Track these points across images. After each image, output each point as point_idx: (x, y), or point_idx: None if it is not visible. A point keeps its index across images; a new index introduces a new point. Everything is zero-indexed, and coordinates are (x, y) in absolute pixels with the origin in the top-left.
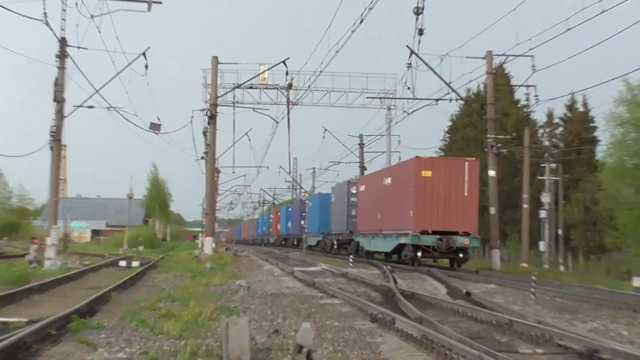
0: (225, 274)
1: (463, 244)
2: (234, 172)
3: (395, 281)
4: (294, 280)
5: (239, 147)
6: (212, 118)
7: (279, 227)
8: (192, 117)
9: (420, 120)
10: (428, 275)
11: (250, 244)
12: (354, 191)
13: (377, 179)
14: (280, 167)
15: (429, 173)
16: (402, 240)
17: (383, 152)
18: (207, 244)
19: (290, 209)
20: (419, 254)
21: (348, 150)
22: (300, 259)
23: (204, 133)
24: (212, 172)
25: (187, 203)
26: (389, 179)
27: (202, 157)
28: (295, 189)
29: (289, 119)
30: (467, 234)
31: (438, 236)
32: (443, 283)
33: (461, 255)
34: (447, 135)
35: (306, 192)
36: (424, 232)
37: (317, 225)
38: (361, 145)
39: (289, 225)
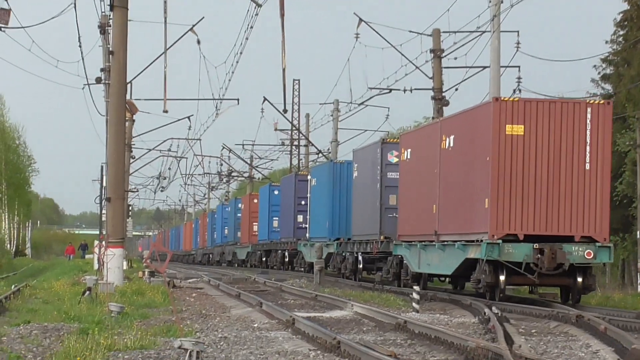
0: (150, 326)
1: (583, 260)
2: (166, 112)
3: (509, 340)
4: (296, 340)
5: (176, 61)
6: None
7: (254, 228)
8: None
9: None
10: (577, 326)
11: (200, 262)
12: (394, 160)
13: (430, 137)
14: (265, 99)
15: (518, 129)
16: (472, 254)
17: (484, 68)
18: (113, 263)
19: (277, 192)
20: (502, 277)
21: (405, 64)
22: (309, 293)
23: (102, 29)
24: (121, 111)
25: (69, 181)
26: (451, 137)
27: (99, 81)
28: (298, 149)
29: None
30: (589, 241)
31: (536, 245)
32: (613, 346)
33: (580, 279)
34: (620, 35)
35: (322, 154)
36: (511, 238)
37: (326, 225)
38: (436, 52)
39: (275, 224)
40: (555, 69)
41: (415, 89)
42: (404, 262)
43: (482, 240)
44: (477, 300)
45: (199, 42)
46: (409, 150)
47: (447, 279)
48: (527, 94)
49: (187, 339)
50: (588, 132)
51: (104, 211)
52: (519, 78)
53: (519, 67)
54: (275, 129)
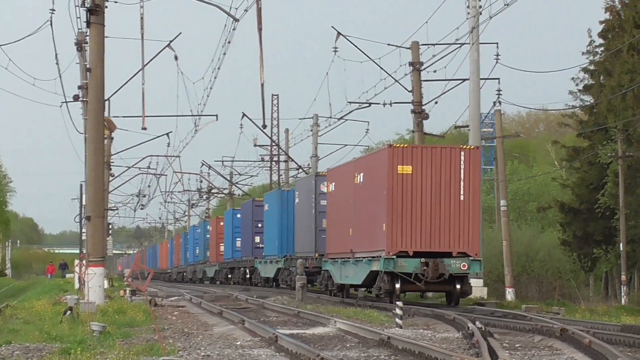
0: (133, 345)
1: (459, 270)
2: (144, 129)
3: (494, 355)
4: (279, 357)
5: (154, 77)
6: (95, 12)
7: (221, 248)
8: (52, 13)
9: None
10: (561, 339)
11: (175, 280)
12: (325, 190)
13: (347, 173)
14: (244, 114)
15: (407, 169)
16: (375, 267)
17: (463, 81)
18: (94, 282)
19: (239, 216)
20: (397, 285)
21: (384, 77)
22: (291, 310)
23: (79, 46)
24: (99, 129)
25: (48, 200)
26: (361, 174)
27: (76, 98)
28: (277, 164)
29: (259, 9)
30: (464, 255)
31: (422, 259)
32: (598, 359)
33: (458, 286)
34: (599, 46)
35: (301, 169)
36: (403, 254)
37: (276, 244)
38: (415, 65)
39: (237, 244)
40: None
41: (394, 103)
42: (330, 274)
43: (380, 256)
44: (461, 314)
45: (176, 58)
46: (333, 183)
47: (356, 289)
48: (507, 107)
49: (169, 357)
50: (462, 171)
51: (83, 230)
52: (499, 90)
53: (498, 79)
54: (255, 145)
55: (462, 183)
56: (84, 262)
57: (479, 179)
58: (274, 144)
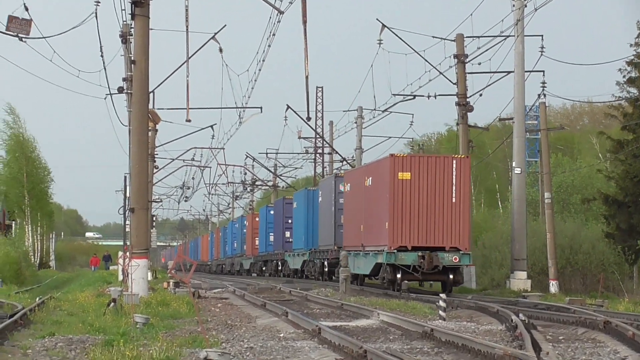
0: (176, 337)
1: (451, 263)
2: (188, 121)
3: (537, 348)
4: (322, 349)
5: (198, 69)
6: (140, 4)
7: (256, 241)
8: (97, 5)
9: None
10: (604, 332)
11: (214, 272)
12: (342, 189)
13: (360, 176)
14: (288, 107)
15: (406, 175)
16: (379, 259)
17: (508, 73)
18: (137, 274)
19: (272, 212)
20: (399, 275)
21: (429, 70)
22: (334, 302)
23: (123, 38)
24: (144, 121)
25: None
26: (370, 178)
27: (121, 90)
28: (322, 157)
29: (304, 1)
30: (455, 250)
31: (419, 253)
32: None
33: (451, 276)
34: None
35: (346, 161)
36: (403, 249)
37: (303, 239)
38: (460, 58)
39: (271, 239)
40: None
41: (439, 95)
42: None
43: (383, 250)
44: (504, 307)
45: (221, 50)
46: (349, 184)
47: (364, 278)
48: (552, 99)
49: (213, 349)
50: (454, 177)
51: (127, 222)
52: (544, 83)
53: (543, 71)
54: (299, 137)
55: (454, 187)
56: (127, 254)
57: (469, 184)
58: (318, 136)
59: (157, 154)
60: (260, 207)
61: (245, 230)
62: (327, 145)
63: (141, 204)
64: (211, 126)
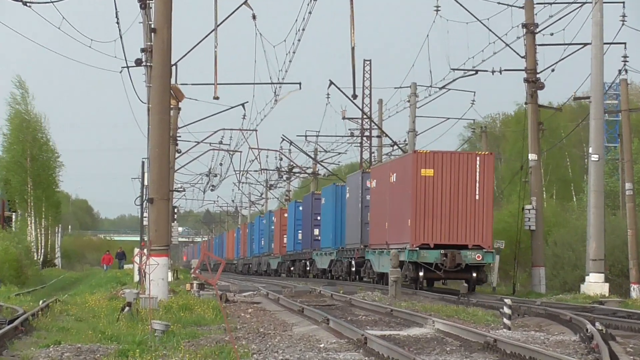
0: (200, 346)
1: (474, 261)
2: (216, 99)
3: None
4: None
5: (228, 39)
6: None
7: (284, 239)
8: None
9: None
10: None
11: (241, 272)
12: (369, 185)
13: (385, 172)
14: (331, 83)
15: (429, 172)
16: (402, 257)
17: (584, 46)
18: (156, 274)
19: (301, 208)
20: (421, 273)
21: (493, 41)
22: (383, 307)
23: (142, 3)
24: (165, 98)
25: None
26: (395, 175)
27: (139, 63)
28: (369, 140)
29: None
30: (479, 248)
31: (442, 251)
32: None
33: (474, 274)
34: None
35: (397, 146)
36: (425, 246)
37: (331, 237)
38: (529, 27)
39: (299, 237)
40: None
41: (505, 70)
42: (371, 264)
43: (406, 248)
44: (578, 314)
45: (254, 17)
46: (375, 180)
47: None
48: (634, 75)
49: None
50: (477, 174)
51: (145, 214)
52: (625, 57)
53: (624, 43)
54: (343, 118)
55: (477, 184)
56: (145, 251)
57: (492, 181)
58: (365, 116)
59: (179, 136)
60: (299, 197)
61: (273, 227)
62: (375, 127)
63: (161, 193)
64: (242, 104)
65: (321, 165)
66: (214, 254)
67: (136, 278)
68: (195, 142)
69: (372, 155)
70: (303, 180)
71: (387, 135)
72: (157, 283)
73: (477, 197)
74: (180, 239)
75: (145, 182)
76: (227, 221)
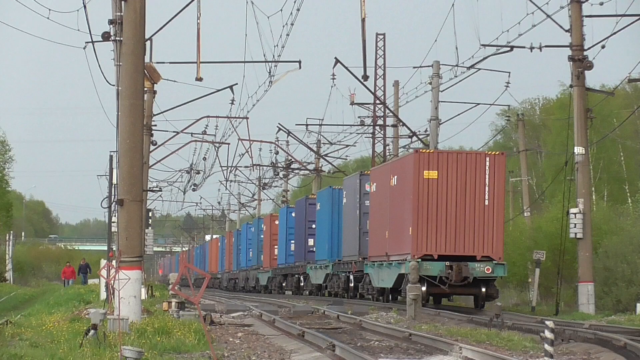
0: None
1: (483, 274)
2: (199, 80)
3: None
4: None
5: (214, 10)
6: None
7: (275, 251)
8: None
9: None
10: None
11: (226, 288)
12: (368, 189)
13: (385, 175)
14: (337, 61)
15: (433, 174)
16: (403, 270)
17: (638, 18)
18: (127, 291)
19: (293, 215)
20: (424, 288)
21: (532, 12)
22: (400, 331)
23: None
24: (138, 79)
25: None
26: (395, 177)
27: (106, 37)
28: (383, 130)
29: None
30: (488, 259)
31: (447, 263)
32: None
33: (484, 289)
34: None
35: (416, 137)
36: (428, 258)
37: (326, 248)
38: None
39: (292, 248)
40: None
41: (545, 47)
42: (370, 278)
43: (406, 259)
44: (634, 340)
45: None
46: (375, 183)
47: (388, 292)
48: None
49: None
50: (487, 176)
51: (114, 219)
52: None
53: None
54: (352, 103)
55: (487, 188)
56: (113, 262)
57: (503, 185)
58: (378, 101)
59: (155, 125)
60: (299, 198)
61: (262, 236)
62: (390, 114)
63: (133, 194)
64: (231, 87)
65: (325, 160)
66: (236, 260)
67: (103, 295)
68: (174, 132)
69: (387, 148)
70: (303, 178)
71: (404, 124)
72: (128, 301)
73: (486, 202)
74: (155, 249)
75: (114, 181)
76: (213, 227)
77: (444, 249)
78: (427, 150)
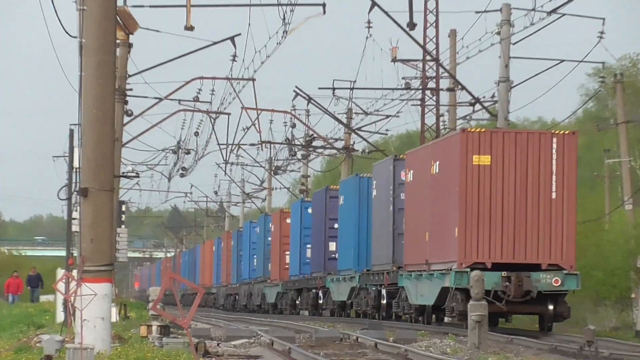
0: None
1: (550, 287)
2: (190, 29)
3: None
4: None
5: None
6: None
7: (286, 259)
8: None
9: None
10: None
11: (223, 306)
12: (404, 179)
13: (425, 160)
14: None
15: (485, 159)
16: (447, 282)
17: None
18: (92, 310)
19: (309, 211)
20: None
21: None
22: None
23: None
24: (108, 27)
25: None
26: (437, 163)
27: None
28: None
29: None
30: (557, 269)
31: (504, 273)
32: None
33: (551, 306)
34: None
35: (480, 104)
36: (479, 267)
37: (351, 254)
38: None
39: (307, 254)
40: None
41: None
42: (405, 294)
43: (451, 269)
44: None
45: None
46: (412, 171)
47: (429, 310)
48: None
49: None
50: (554, 162)
51: (75, 214)
52: None
53: None
54: (394, 60)
55: (554, 177)
56: (74, 273)
57: (575, 173)
58: (429, 58)
59: (131, 90)
60: (322, 186)
61: (270, 239)
62: (445, 74)
63: (101, 181)
64: (232, 39)
65: (358, 135)
66: (236, 268)
67: (60, 317)
68: (157, 98)
69: (441, 119)
70: (329, 159)
71: (463, 88)
72: (93, 325)
73: (553, 195)
74: (131, 254)
75: (76, 163)
76: (208, 225)
77: (500, 256)
78: (478, 129)
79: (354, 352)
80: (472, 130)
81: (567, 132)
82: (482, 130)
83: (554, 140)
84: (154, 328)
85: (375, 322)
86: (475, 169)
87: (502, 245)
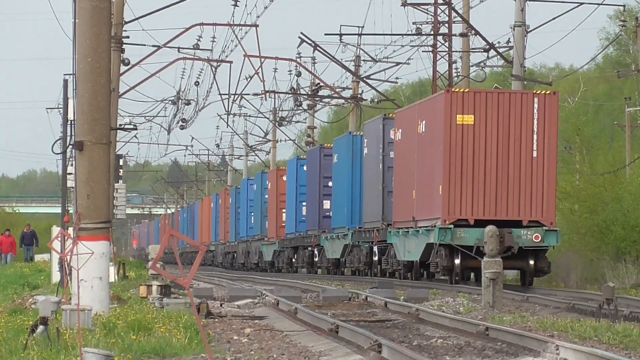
0: None
1: (531, 243)
2: None
3: None
4: None
5: None
6: None
7: (282, 217)
8: None
9: None
10: None
11: (222, 264)
12: (393, 137)
13: (412, 119)
14: None
15: (468, 118)
16: (432, 238)
17: None
18: (89, 270)
19: (305, 168)
20: (457, 261)
21: None
22: (472, 323)
23: None
24: None
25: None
26: (423, 122)
27: None
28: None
29: None
30: (537, 225)
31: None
32: None
33: (532, 262)
34: None
35: (494, 50)
36: (462, 223)
37: (345, 212)
38: None
39: (303, 212)
40: None
41: None
42: (394, 250)
43: (435, 225)
44: None
45: None
46: (400, 130)
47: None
48: None
49: None
50: (535, 122)
51: (70, 169)
52: None
53: None
54: (404, 4)
55: (535, 136)
56: (70, 231)
57: (555, 132)
58: (440, 0)
59: (128, 37)
60: (329, 139)
61: (267, 197)
62: (457, 18)
63: (97, 133)
64: None
65: (366, 83)
66: (235, 227)
67: (56, 277)
68: (155, 46)
69: (453, 66)
70: (337, 109)
71: (477, 33)
72: (90, 285)
73: (534, 153)
74: (129, 211)
75: (70, 115)
76: (209, 180)
77: (482, 213)
78: (461, 90)
79: (363, 311)
80: (456, 90)
81: (548, 92)
82: (466, 90)
83: (536, 100)
84: (154, 288)
85: (386, 280)
86: (459, 128)
87: (484, 203)
